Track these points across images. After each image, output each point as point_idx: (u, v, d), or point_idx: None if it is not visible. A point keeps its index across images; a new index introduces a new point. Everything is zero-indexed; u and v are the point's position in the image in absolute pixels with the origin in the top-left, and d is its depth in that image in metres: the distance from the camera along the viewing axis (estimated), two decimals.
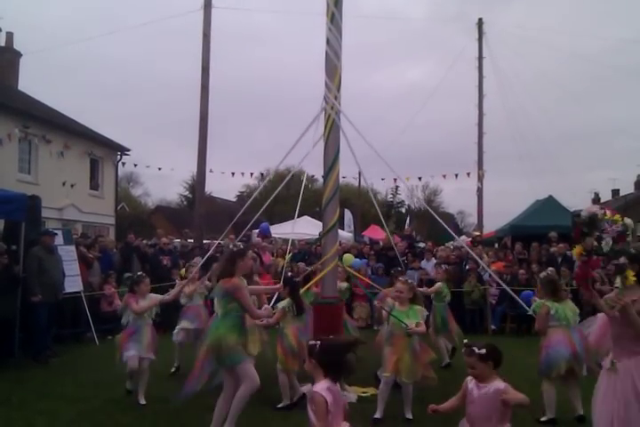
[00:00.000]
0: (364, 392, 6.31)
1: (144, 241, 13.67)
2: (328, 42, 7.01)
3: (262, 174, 24.57)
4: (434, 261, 12.55)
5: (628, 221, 4.42)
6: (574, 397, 5.62)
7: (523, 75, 47.11)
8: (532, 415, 5.41)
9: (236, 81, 49.59)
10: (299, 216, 20.36)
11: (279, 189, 7.28)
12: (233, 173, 19.95)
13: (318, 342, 3.12)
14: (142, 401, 5.90)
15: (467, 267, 12.17)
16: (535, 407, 5.12)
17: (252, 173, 21.92)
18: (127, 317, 6.20)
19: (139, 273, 6.74)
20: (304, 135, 7.14)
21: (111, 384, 6.58)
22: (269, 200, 7.31)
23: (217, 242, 10.29)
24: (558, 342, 5.59)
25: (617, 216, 4.42)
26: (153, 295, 6.35)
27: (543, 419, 5.52)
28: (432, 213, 8.77)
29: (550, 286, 5.87)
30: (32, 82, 27.00)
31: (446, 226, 7.82)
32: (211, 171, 18.19)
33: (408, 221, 21.83)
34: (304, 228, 16.20)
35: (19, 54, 20.09)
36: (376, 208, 7.54)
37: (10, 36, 19.93)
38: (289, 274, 6.90)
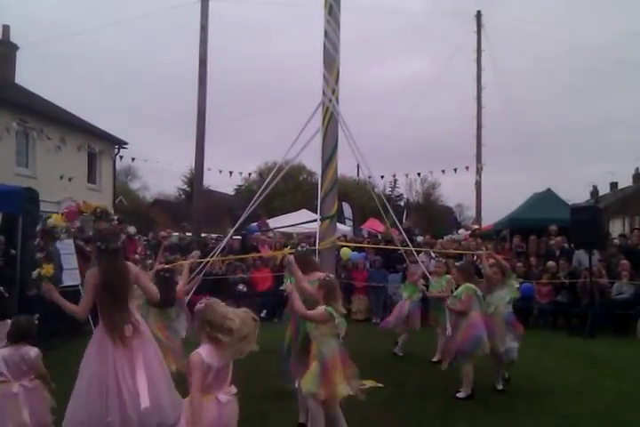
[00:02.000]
0: (362, 384, 6.30)
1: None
2: (326, 34, 6.94)
3: (261, 174, 24.64)
4: (432, 254, 12.54)
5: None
6: (497, 373, 6.29)
7: (522, 68, 47.04)
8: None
9: (234, 74, 49.36)
10: (298, 209, 20.41)
11: (275, 181, 7.22)
12: (231, 173, 19.73)
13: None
14: None
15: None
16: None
17: (249, 174, 22.18)
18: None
19: None
20: (305, 128, 7.07)
21: None
22: (261, 193, 7.17)
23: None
24: (480, 324, 6.05)
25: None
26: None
27: (461, 396, 5.96)
28: (392, 213, 8.23)
29: (467, 273, 6.42)
30: (29, 75, 26.81)
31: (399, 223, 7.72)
32: (209, 169, 18.20)
33: (405, 214, 21.82)
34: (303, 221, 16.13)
35: (15, 47, 19.91)
36: (375, 201, 7.46)
37: (6, 28, 19.78)
38: None
